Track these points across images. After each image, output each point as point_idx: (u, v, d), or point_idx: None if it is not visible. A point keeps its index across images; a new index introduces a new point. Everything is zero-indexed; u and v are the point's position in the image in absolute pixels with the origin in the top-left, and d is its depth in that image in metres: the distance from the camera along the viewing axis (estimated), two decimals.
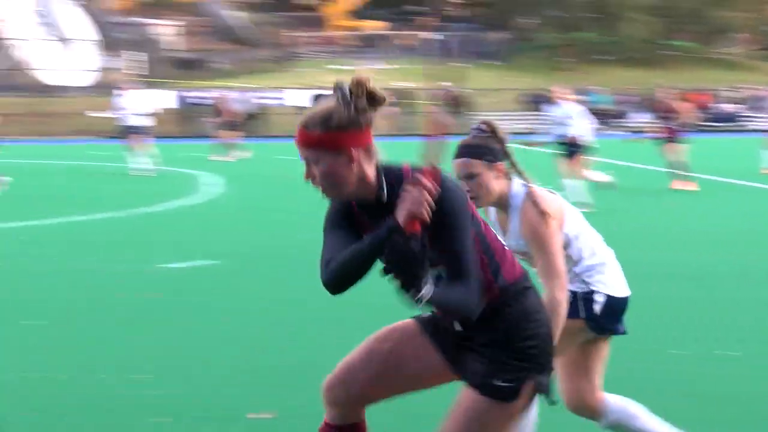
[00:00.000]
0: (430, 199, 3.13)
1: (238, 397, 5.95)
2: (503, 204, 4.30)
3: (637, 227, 13.71)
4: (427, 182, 3.14)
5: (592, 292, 4.40)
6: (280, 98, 44.45)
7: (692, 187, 18.51)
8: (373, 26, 58.40)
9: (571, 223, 4.37)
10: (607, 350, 4.58)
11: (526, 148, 15.82)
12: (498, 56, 55.36)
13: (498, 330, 3.43)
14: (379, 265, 3.22)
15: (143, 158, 23.06)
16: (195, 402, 5.90)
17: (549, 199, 4.28)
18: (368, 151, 3.28)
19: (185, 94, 43.85)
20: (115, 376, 6.42)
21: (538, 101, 40.82)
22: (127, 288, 9.36)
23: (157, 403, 5.85)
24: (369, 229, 3.31)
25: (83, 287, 9.53)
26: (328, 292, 3.36)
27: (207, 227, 14.14)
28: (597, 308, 4.40)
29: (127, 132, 23.56)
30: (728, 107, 47.00)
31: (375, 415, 3.90)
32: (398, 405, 4.06)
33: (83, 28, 51.28)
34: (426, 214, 3.13)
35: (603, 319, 4.42)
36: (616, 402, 4.57)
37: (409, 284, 3.14)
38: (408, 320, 3.70)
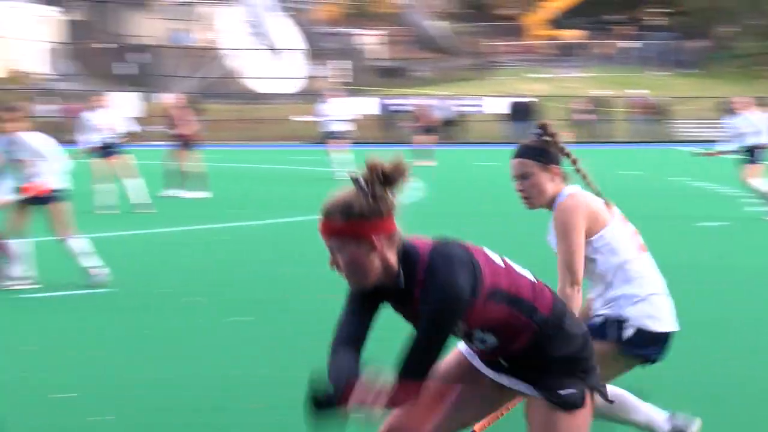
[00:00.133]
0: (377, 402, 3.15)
1: None
2: (552, 206, 4.38)
3: None
4: (371, 400, 3.14)
5: (624, 320, 4.35)
6: (479, 105, 45.40)
7: None
8: (571, 35, 58.68)
9: (610, 234, 4.35)
10: (623, 367, 4.45)
11: (710, 156, 16.32)
12: (696, 65, 54.97)
13: (546, 359, 3.40)
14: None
15: (346, 162, 24.04)
16: None
17: (590, 200, 4.35)
18: (391, 238, 3.25)
19: (387, 101, 45.21)
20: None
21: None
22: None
23: None
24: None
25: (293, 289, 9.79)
26: None
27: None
28: (626, 335, 4.35)
29: (327, 137, 24.65)
30: None
31: None
32: None
33: (292, 38, 53.34)
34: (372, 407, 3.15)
35: (632, 345, 4.35)
36: (613, 392, 4.46)
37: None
38: (459, 355, 3.74)
